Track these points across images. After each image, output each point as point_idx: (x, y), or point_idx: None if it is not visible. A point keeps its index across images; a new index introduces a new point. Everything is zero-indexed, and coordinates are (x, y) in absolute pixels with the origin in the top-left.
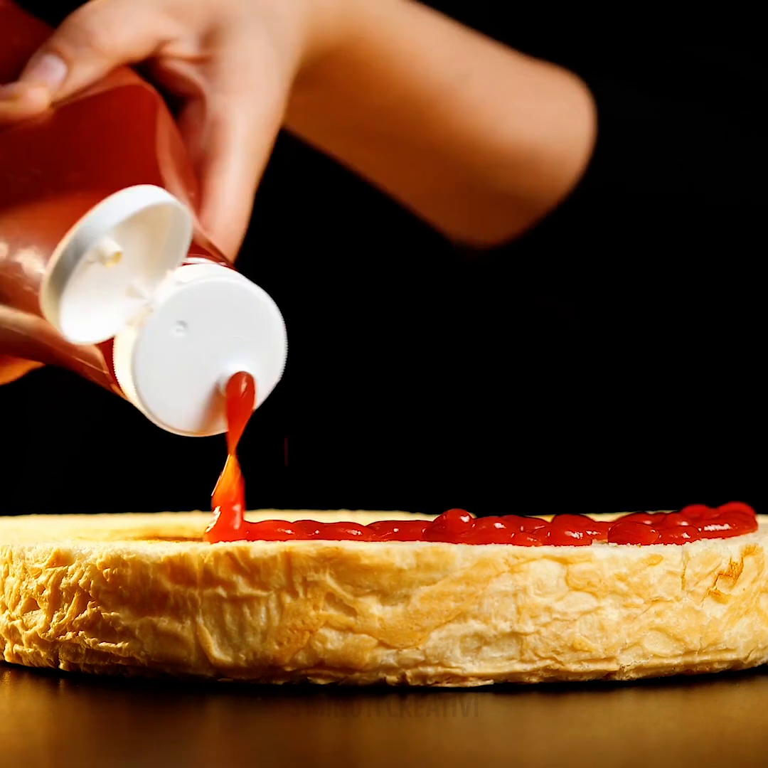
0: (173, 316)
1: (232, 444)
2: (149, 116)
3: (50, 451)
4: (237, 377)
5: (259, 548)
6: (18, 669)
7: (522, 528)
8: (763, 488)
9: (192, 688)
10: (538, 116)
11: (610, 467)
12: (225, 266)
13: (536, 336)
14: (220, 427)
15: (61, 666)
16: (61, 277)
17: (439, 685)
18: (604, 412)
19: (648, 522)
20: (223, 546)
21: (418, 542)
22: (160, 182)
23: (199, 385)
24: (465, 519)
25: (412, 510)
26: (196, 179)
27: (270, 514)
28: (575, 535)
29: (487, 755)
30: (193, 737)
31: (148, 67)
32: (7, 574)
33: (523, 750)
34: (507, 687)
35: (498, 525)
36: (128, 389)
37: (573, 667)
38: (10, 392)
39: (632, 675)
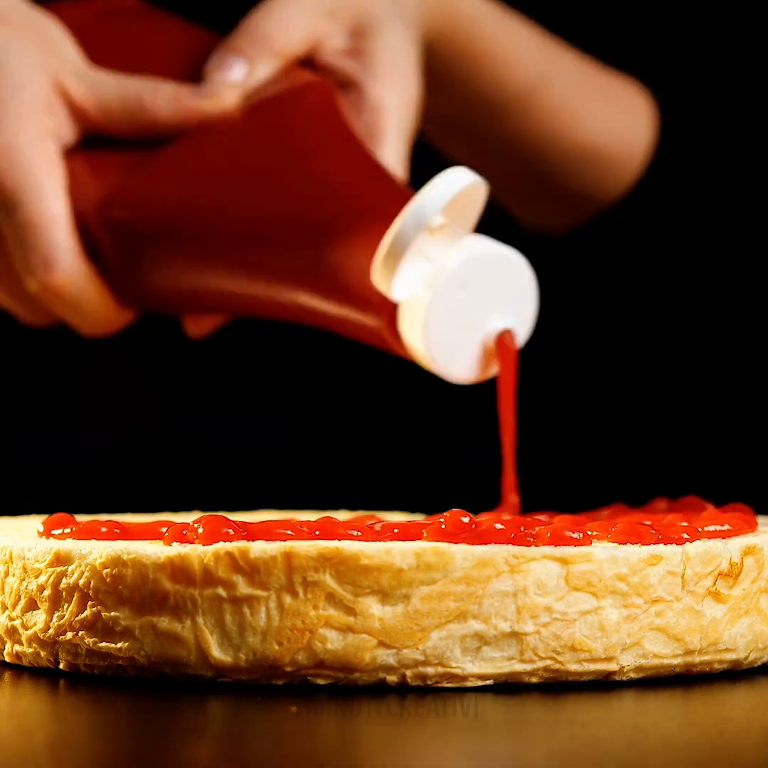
0: (459, 279)
1: (506, 389)
2: (338, 104)
3: (50, 451)
4: (504, 332)
5: (259, 548)
6: (18, 669)
7: (522, 528)
8: (763, 488)
9: (192, 688)
10: (607, 123)
11: (611, 467)
12: (492, 240)
13: (536, 335)
14: (489, 374)
15: (61, 666)
16: (400, 246)
17: (439, 685)
18: (605, 411)
19: (648, 522)
20: (223, 546)
21: (418, 542)
22: (378, 163)
23: (473, 339)
24: (465, 519)
25: (412, 510)
26: None
27: (270, 514)
28: (575, 535)
29: (487, 755)
30: (193, 737)
31: (305, 61)
32: (7, 574)
33: (523, 750)
34: (507, 687)
35: (498, 525)
36: (416, 343)
37: (573, 667)
38: (11, 392)
39: (632, 675)
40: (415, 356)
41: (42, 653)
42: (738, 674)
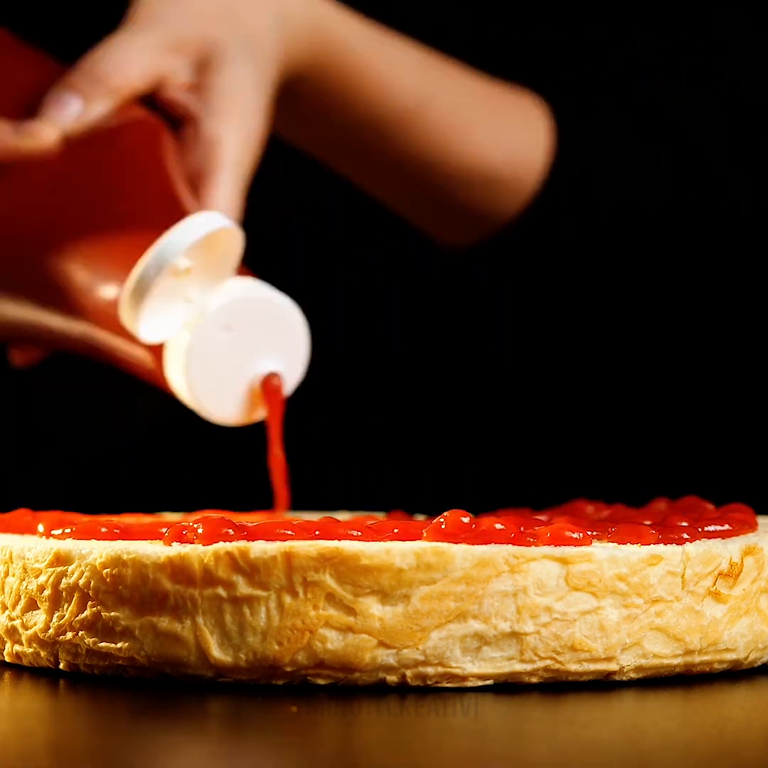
0: (221, 321)
1: (273, 431)
2: (160, 144)
3: (50, 451)
4: (270, 376)
5: (259, 548)
6: (18, 669)
7: (522, 528)
8: (763, 488)
9: (192, 688)
10: (496, 141)
11: (610, 466)
12: (260, 280)
13: (534, 334)
14: (256, 417)
15: (61, 666)
16: (142, 288)
17: (439, 685)
18: (605, 411)
19: (648, 522)
20: (223, 546)
21: (418, 542)
22: (184, 205)
23: (238, 382)
24: (465, 519)
25: (412, 510)
26: (192, 193)
27: (269, 513)
28: (575, 535)
29: (487, 755)
30: (193, 737)
31: (150, 95)
32: (7, 574)
33: (523, 750)
34: (507, 687)
35: (498, 525)
36: (178, 384)
37: (573, 667)
38: (13, 392)
39: (632, 675)
40: (180, 396)
41: (42, 653)
42: (738, 674)
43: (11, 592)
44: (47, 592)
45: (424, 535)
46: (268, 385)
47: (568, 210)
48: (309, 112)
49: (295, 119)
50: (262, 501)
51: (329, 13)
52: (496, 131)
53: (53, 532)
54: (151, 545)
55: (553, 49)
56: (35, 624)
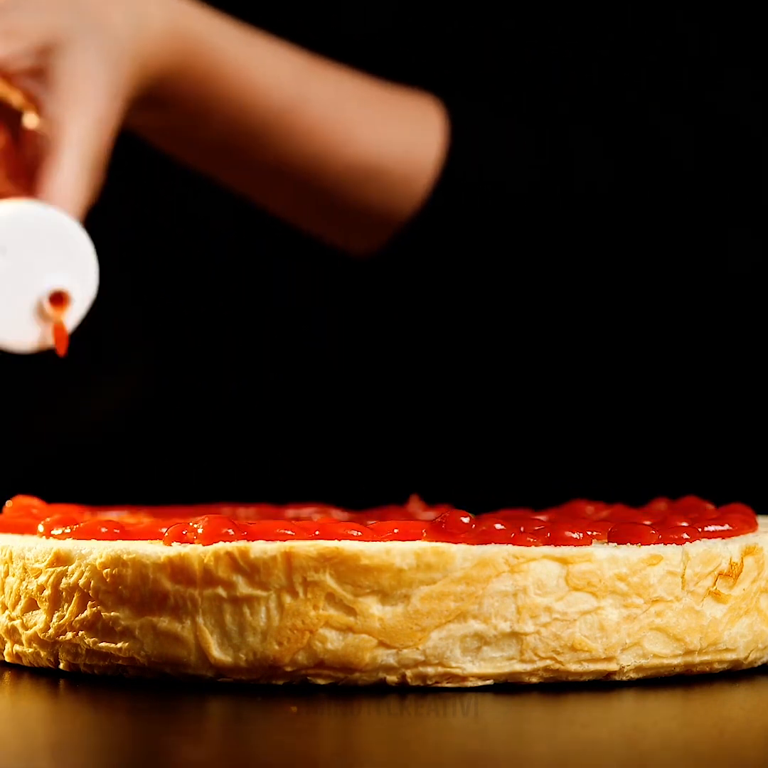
0: None
1: (61, 349)
2: None
3: (50, 449)
4: (56, 293)
5: (259, 548)
6: (18, 669)
7: (522, 528)
8: (763, 488)
9: (192, 688)
10: (382, 139)
11: (610, 466)
12: (36, 202)
13: (532, 335)
14: (47, 342)
15: (61, 666)
16: None
17: (439, 685)
18: (605, 411)
19: (648, 522)
20: (223, 546)
21: (418, 542)
22: None
23: (25, 303)
24: (465, 519)
25: None
26: (32, 178)
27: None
28: (575, 535)
29: (487, 755)
30: (193, 737)
31: None
32: (7, 574)
33: (523, 750)
34: (507, 687)
35: (498, 525)
36: None
37: (573, 667)
38: (14, 389)
39: (632, 675)
40: None
41: (42, 653)
42: (738, 674)
43: (11, 592)
44: (47, 592)
45: (424, 535)
46: (54, 302)
47: (460, 208)
48: (179, 117)
49: (167, 126)
50: (263, 499)
51: (192, 13)
52: (381, 129)
53: (53, 532)
54: (151, 545)
55: (451, 50)
56: (35, 624)
